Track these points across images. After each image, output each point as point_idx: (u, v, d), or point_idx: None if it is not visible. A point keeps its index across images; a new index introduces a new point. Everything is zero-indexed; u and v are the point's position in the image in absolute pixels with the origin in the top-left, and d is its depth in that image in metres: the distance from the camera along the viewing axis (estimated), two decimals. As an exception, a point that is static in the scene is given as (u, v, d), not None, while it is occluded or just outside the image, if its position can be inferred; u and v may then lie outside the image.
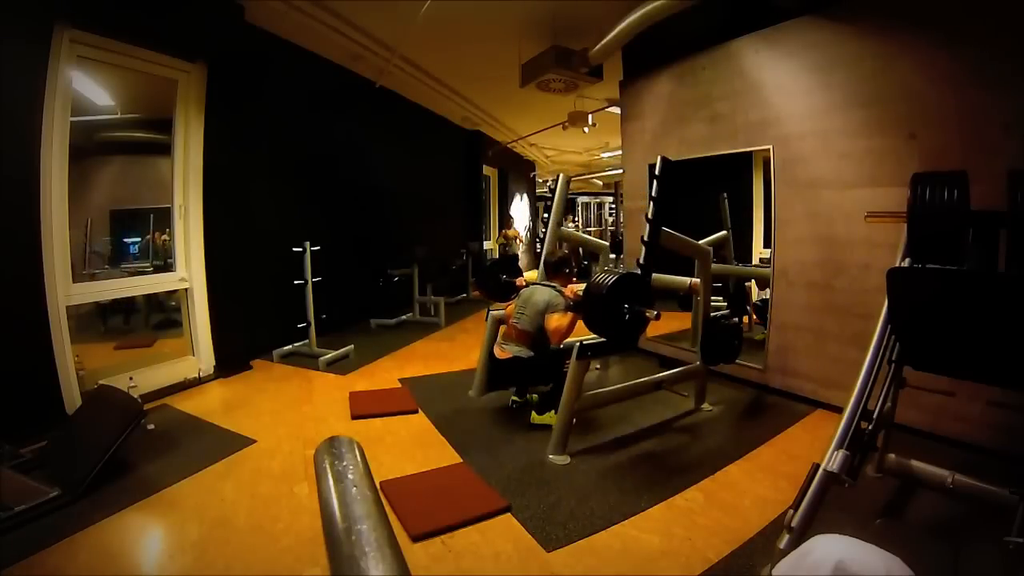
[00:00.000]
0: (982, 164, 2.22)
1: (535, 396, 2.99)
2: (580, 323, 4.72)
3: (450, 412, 3.08)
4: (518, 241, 10.13)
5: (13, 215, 2.58)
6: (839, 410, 1.75)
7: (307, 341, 4.30)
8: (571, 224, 13.74)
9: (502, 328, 3.16)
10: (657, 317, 2.31)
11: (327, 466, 1.50)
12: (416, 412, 3.09)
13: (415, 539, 1.81)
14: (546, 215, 3.67)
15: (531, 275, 3.53)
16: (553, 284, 2.97)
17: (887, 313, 1.89)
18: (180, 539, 1.88)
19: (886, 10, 2.70)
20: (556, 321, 2.71)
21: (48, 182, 2.73)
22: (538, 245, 3.82)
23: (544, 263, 3.28)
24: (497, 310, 3.34)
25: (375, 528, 1.20)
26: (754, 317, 4.33)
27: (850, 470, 1.54)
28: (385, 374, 3.88)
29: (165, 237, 3.69)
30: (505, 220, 10.46)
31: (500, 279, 3.50)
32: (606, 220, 15.23)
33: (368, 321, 5.61)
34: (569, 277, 3.08)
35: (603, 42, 3.99)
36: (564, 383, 2.89)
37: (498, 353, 2.95)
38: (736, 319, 3.25)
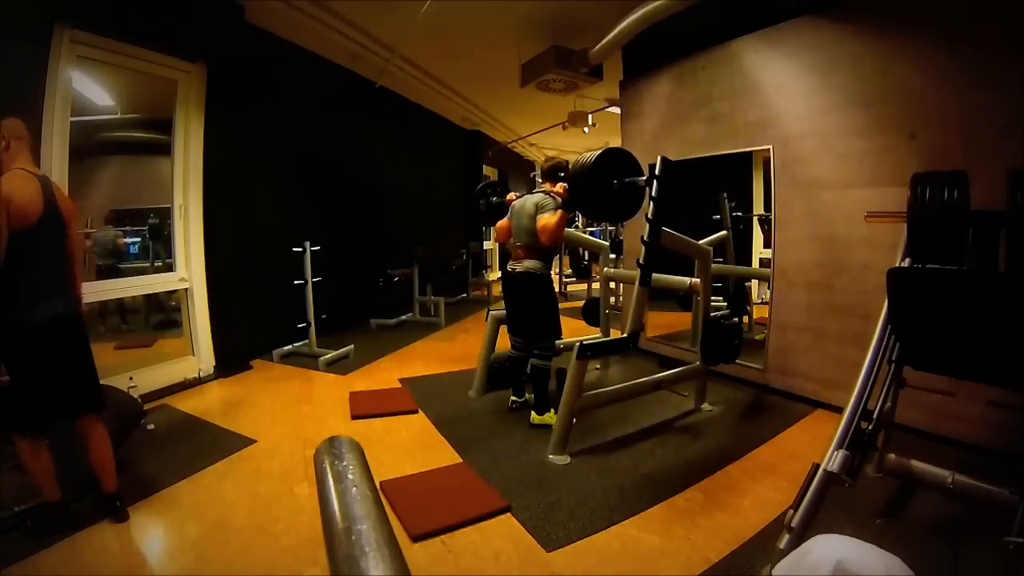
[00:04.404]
0: (982, 164, 2.22)
1: (531, 396, 2.99)
2: (583, 324, 4.62)
3: (450, 412, 3.08)
4: None
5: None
6: (839, 410, 1.76)
7: (307, 341, 4.30)
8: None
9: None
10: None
11: (327, 466, 1.49)
12: (416, 412, 3.09)
13: (415, 539, 1.81)
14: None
15: None
16: (543, 190, 2.89)
17: (887, 313, 1.89)
18: (180, 539, 1.88)
19: (886, 10, 2.70)
20: (544, 220, 2.68)
21: (48, 182, 2.72)
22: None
23: (540, 171, 3.16)
24: (497, 311, 3.33)
25: (375, 528, 1.19)
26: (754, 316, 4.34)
27: (850, 470, 1.54)
28: (385, 374, 3.88)
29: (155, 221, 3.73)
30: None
31: (492, 201, 3.41)
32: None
33: (368, 321, 5.61)
34: (562, 180, 2.95)
35: (603, 42, 4.00)
36: (546, 381, 2.89)
37: (510, 268, 2.92)
38: (736, 319, 3.25)
